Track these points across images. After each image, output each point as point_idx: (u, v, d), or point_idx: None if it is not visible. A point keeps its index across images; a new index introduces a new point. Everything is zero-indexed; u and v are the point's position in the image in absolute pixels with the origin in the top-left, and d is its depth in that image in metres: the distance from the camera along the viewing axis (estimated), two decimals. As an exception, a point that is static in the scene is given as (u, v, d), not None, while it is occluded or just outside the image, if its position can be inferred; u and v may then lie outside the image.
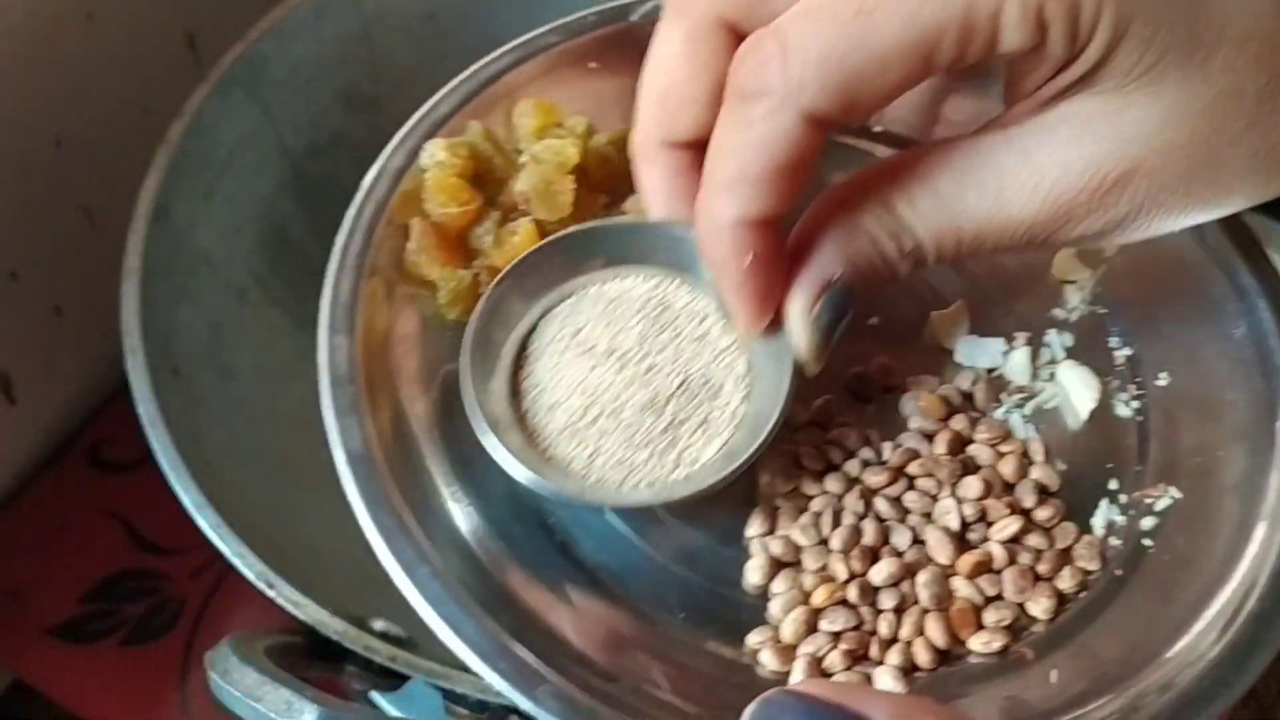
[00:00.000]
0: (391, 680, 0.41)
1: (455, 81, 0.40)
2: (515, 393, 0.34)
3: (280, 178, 0.55)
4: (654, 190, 0.33)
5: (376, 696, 0.43)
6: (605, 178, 0.39)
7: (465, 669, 0.39)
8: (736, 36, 0.30)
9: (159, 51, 0.57)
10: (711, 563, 0.33)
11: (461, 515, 0.34)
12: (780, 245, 0.31)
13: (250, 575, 0.41)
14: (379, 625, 0.42)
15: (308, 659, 0.42)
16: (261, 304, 0.53)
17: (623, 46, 0.40)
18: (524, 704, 0.30)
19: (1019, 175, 0.29)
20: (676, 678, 0.32)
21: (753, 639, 0.33)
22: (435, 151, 0.37)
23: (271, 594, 0.41)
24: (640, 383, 0.33)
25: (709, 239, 0.30)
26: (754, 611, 0.33)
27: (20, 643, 0.54)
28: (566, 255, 0.35)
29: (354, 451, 0.33)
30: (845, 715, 0.26)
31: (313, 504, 0.49)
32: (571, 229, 0.35)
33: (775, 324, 0.32)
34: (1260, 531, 0.34)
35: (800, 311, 0.31)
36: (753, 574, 0.34)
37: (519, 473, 0.32)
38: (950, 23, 0.27)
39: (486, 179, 0.38)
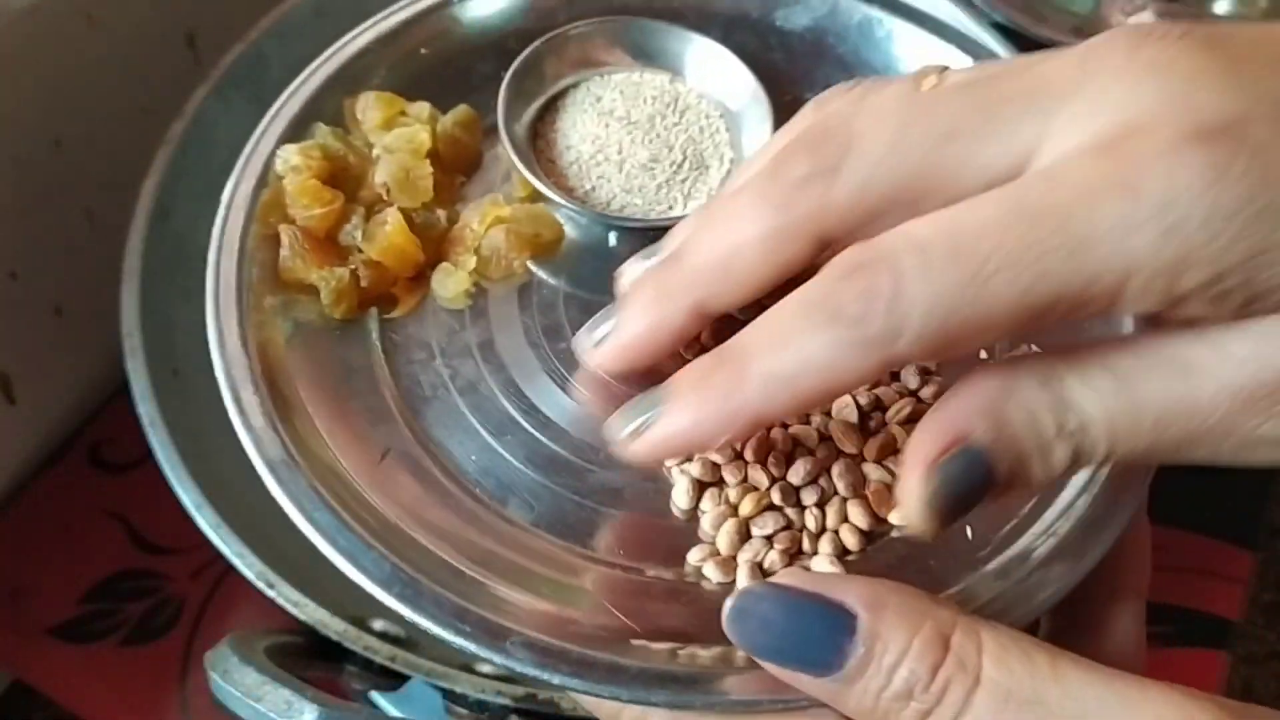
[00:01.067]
0: (391, 680, 0.41)
1: (294, 85, 0.41)
2: (536, 135, 0.40)
3: (280, 178, 0.55)
4: (651, 331, 0.32)
5: (376, 696, 0.43)
6: (457, 158, 0.40)
7: (466, 668, 0.39)
8: (823, 243, 0.29)
9: (159, 51, 0.57)
10: (638, 497, 0.34)
11: (386, 506, 0.34)
12: None
13: (250, 575, 0.41)
14: (379, 625, 0.42)
15: (308, 659, 0.42)
16: (262, 304, 0.53)
17: (448, 26, 0.42)
18: (496, 658, 0.31)
19: (1209, 362, 0.27)
20: (630, 607, 0.32)
21: (693, 557, 0.33)
22: (289, 157, 0.38)
23: (271, 594, 0.41)
24: (643, 144, 0.39)
25: (713, 408, 0.28)
26: (688, 534, 0.34)
27: (20, 642, 0.54)
28: (602, 36, 0.40)
29: (274, 459, 0.33)
30: (821, 601, 0.27)
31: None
32: (610, 18, 0.41)
33: None
34: None
35: (918, 463, 0.28)
36: (680, 499, 0.34)
37: (529, 174, 0.37)
38: (1067, 291, 0.25)
39: (344, 177, 0.39)
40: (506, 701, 0.39)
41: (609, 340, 0.33)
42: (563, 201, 0.38)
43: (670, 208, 0.39)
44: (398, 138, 0.39)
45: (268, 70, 0.54)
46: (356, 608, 0.42)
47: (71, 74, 0.53)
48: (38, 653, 0.54)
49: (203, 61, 0.58)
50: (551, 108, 0.41)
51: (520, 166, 0.38)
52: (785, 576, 0.29)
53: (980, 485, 0.28)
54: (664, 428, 0.29)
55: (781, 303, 0.28)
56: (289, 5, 0.54)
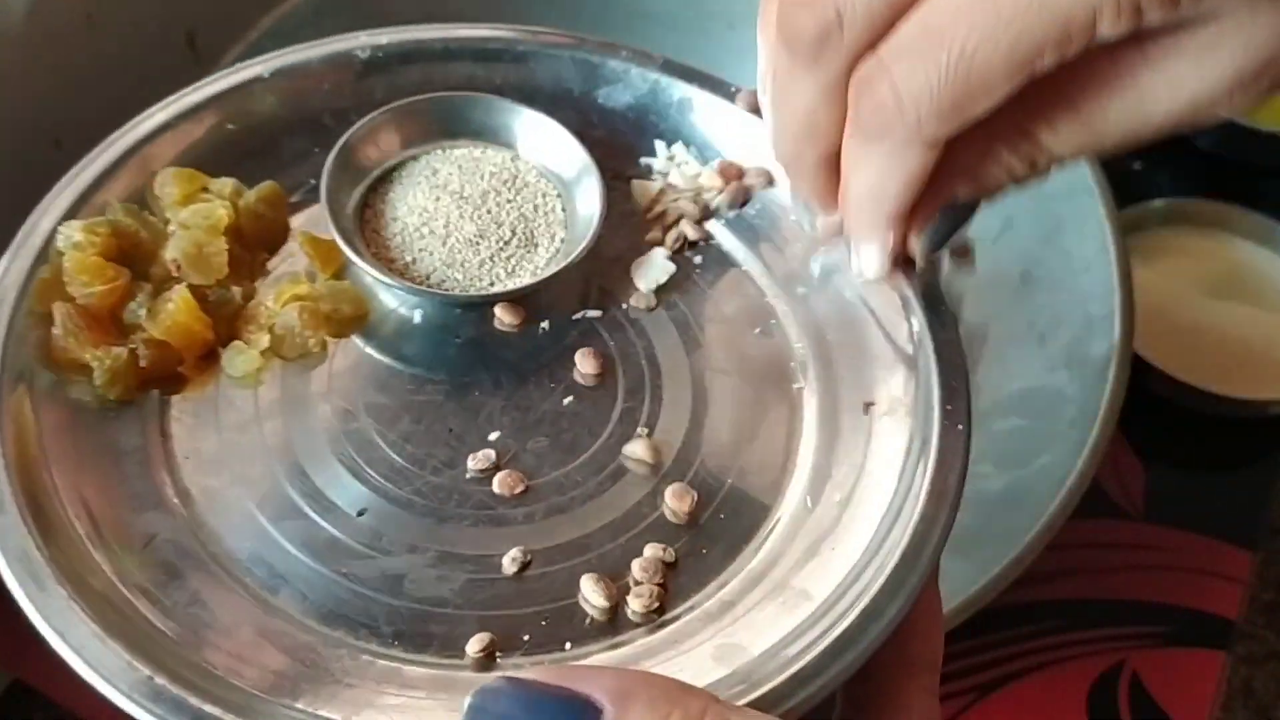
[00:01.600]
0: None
1: (85, 160, 0.39)
2: (366, 207, 0.39)
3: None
4: (818, 195, 0.35)
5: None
6: (260, 233, 0.38)
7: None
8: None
9: (159, 51, 0.57)
10: (420, 585, 0.33)
11: (141, 599, 0.32)
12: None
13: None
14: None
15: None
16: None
17: (252, 100, 0.40)
18: None
19: (1157, 88, 0.30)
20: (397, 703, 0.31)
21: (471, 648, 0.32)
22: (71, 234, 0.36)
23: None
24: (471, 219, 0.38)
25: (863, 240, 0.34)
26: (465, 623, 0.33)
27: (20, 642, 0.54)
28: (438, 112, 0.40)
29: (16, 549, 0.31)
30: (565, 696, 0.27)
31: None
32: (448, 94, 0.40)
33: None
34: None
35: (918, 230, 0.33)
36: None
37: (340, 240, 0.36)
38: (1048, 39, 0.28)
39: (135, 254, 0.37)
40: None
41: (870, 264, 0.35)
42: (371, 270, 0.36)
43: (491, 284, 0.38)
44: (194, 214, 0.37)
45: (268, 70, 0.54)
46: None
47: (71, 74, 0.53)
48: (37, 653, 0.54)
49: (203, 61, 0.58)
50: (386, 180, 0.40)
51: (334, 233, 0.37)
52: (529, 672, 0.28)
53: (963, 218, 0.33)
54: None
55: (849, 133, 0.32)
56: (289, 5, 0.54)
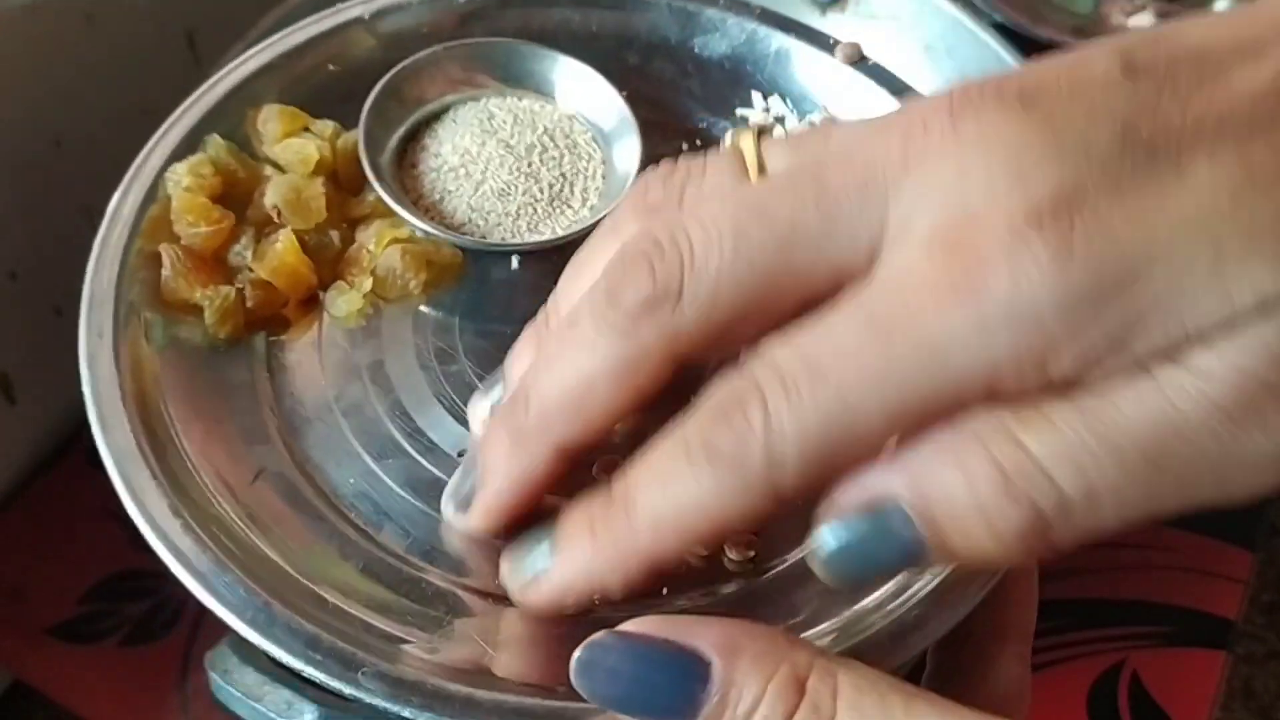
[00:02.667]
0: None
1: (193, 97, 0.40)
2: (413, 138, 0.40)
3: (280, 178, 0.55)
4: (515, 485, 0.31)
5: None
6: (357, 176, 0.39)
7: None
8: (680, 364, 0.29)
9: (159, 51, 0.57)
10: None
11: (251, 529, 0.33)
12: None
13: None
14: (379, 625, 0.42)
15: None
16: (261, 304, 0.53)
17: (358, 44, 0.41)
18: (347, 689, 0.30)
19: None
20: (497, 639, 0.32)
21: None
22: (179, 177, 0.37)
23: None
24: (511, 170, 0.39)
25: (605, 555, 0.29)
26: None
27: (20, 643, 0.54)
28: (474, 60, 0.40)
29: (134, 479, 0.32)
30: (672, 648, 0.26)
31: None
32: (507, 40, 0.40)
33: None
34: None
35: (826, 514, 0.28)
36: None
37: (372, 177, 0.36)
38: (938, 397, 0.26)
39: (235, 193, 0.38)
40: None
41: (476, 504, 0.32)
42: (384, 195, 0.37)
43: (511, 236, 0.38)
44: (287, 148, 0.38)
45: (268, 70, 0.54)
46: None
47: (71, 74, 0.53)
48: (37, 653, 0.54)
49: (203, 61, 0.58)
50: (440, 117, 0.40)
51: (363, 158, 0.37)
52: (636, 624, 0.27)
53: (899, 550, 0.27)
54: (558, 578, 0.30)
55: (663, 441, 0.28)
56: (289, 5, 0.54)
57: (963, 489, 0.26)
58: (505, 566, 0.31)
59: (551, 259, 0.37)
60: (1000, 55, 0.54)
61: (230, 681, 0.37)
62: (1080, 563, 0.61)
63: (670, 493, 0.28)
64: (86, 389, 0.34)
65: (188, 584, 0.31)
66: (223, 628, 0.33)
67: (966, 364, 0.25)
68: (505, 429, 0.31)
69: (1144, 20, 0.58)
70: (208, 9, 0.58)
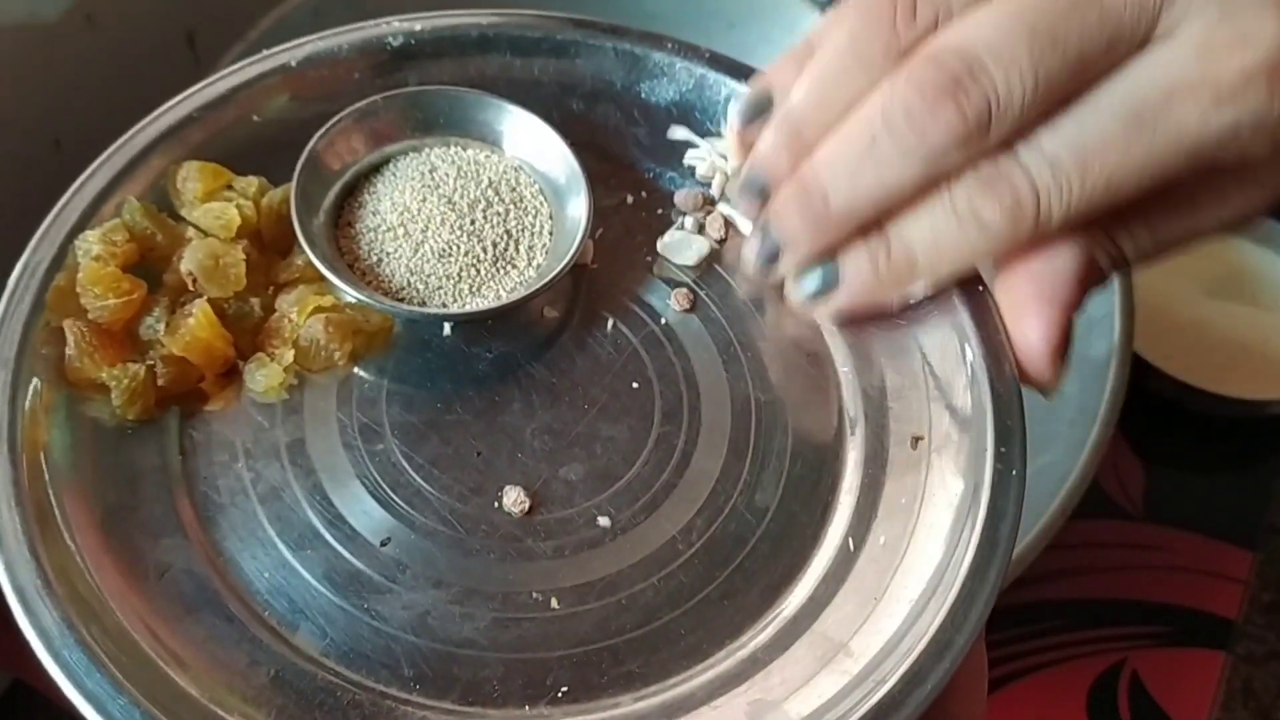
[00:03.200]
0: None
1: (105, 155, 0.37)
2: (350, 193, 0.37)
3: (280, 178, 0.55)
4: (814, 252, 0.34)
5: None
6: (285, 236, 0.36)
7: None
8: None
9: (159, 51, 0.57)
10: (443, 623, 0.32)
11: (150, 635, 0.31)
12: None
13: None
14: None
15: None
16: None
17: (282, 93, 0.38)
18: None
19: (1213, 206, 0.33)
20: None
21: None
22: (90, 245, 0.34)
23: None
24: (452, 229, 0.36)
25: (883, 290, 0.34)
26: (489, 665, 0.31)
27: (20, 643, 0.54)
28: (415, 109, 0.37)
29: (25, 585, 0.30)
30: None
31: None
32: (451, 88, 0.38)
33: None
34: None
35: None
36: None
37: (304, 242, 0.34)
38: (1184, 167, 0.31)
39: (153, 258, 0.35)
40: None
41: (832, 302, 0.34)
42: (316, 262, 0.34)
43: (450, 301, 0.35)
44: (206, 214, 0.35)
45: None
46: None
47: (72, 74, 0.53)
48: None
49: (203, 61, 0.58)
50: (381, 169, 0.37)
51: (294, 220, 0.35)
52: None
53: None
54: (846, 296, 0.34)
55: (936, 205, 0.32)
56: (288, 6, 0.54)
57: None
58: (790, 283, 0.35)
59: (488, 324, 0.35)
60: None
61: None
62: (1080, 563, 0.61)
63: (942, 246, 0.32)
64: None
65: (79, 706, 0.29)
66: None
67: (1209, 156, 0.30)
68: (802, 216, 0.33)
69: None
70: (208, 9, 0.58)
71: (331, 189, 0.36)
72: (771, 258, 0.34)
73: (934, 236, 0.32)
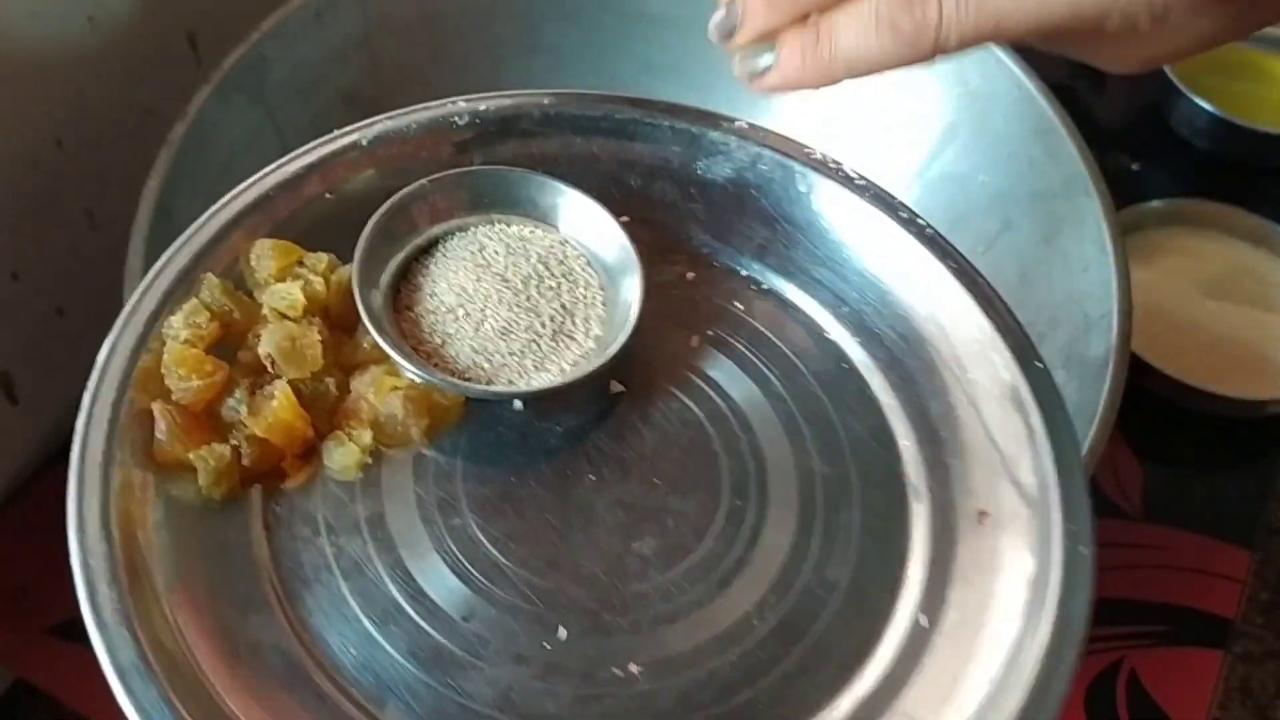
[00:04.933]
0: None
1: (186, 234, 0.38)
2: (407, 276, 0.38)
3: (281, 179, 0.55)
4: (802, 76, 0.37)
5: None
6: (351, 311, 0.36)
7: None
8: None
9: (161, 53, 0.57)
10: (528, 699, 0.32)
11: (245, 712, 0.31)
12: None
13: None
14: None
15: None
16: (262, 304, 0.53)
17: (354, 171, 0.39)
18: None
19: None
20: None
21: None
22: (177, 330, 0.35)
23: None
24: (510, 307, 0.37)
25: (809, 73, 0.37)
26: None
27: (22, 641, 0.54)
28: (462, 189, 0.39)
29: (125, 664, 0.30)
30: None
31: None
32: (493, 168, 0.39)
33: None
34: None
35: None
36: None
37: (370, 325, 0.35)
38: (1066, 20, 0.33)
39: (229, 335, 0.36)
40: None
41: (768, 80, 0.38)
42: (388, 349, 0.35)
43: (517, 378, 0.36)
44: (274, 296, 0.36)
45: (269, 72, 0.54)
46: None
47: (73, 74, 0.53)
48: (40, 652, 0.54)
49: (204, 63, 0.58)
50: (431, 250, 0.38)
51: (358, 303, 0.35)
52: None
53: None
54: (777, 79, 0.37)
55: (864, 11, 0.35)
56: (290, 7, 0.54)
57: None
58: (738, 61, 0.38)
59: (556, 399, 0.36)
60: (998, 56, 0.55)
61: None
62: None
63: (859, 44, 0.35)
64: (75, 561, 0.31)
65: None
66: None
67: (1092, 18, 0.33)
68: (798, 47, 0.37)
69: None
70: (208, 10, 0.58)
71: (387, 270, 0.37)
72: (729, 32, 0.38)
73: (855, 36, 0.35)
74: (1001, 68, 0.54)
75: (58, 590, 0.54)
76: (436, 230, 0.38)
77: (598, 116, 0.41)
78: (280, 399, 0.35)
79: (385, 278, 0.37)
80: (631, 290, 0.37)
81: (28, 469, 0.58)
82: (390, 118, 0.40)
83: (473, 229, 0.39)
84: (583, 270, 0.38)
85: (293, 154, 0.39)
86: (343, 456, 0.35)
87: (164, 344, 0.35)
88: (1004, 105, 0.54)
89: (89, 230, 0.57)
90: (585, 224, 0.38)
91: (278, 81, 0.54)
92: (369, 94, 0.57)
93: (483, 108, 0.40)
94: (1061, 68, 0.60)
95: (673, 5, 0.60)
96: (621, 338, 0.36)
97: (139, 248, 0.48)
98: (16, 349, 0.55)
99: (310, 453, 0.35)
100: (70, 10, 0.52)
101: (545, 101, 0.41)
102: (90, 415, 0.34)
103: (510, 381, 0.36)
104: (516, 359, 0.36)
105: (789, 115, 0.58)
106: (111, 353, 0.35)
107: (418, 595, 0.33)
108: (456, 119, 0.40)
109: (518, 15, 0.59)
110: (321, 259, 0.37)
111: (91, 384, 0.34)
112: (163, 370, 0.35)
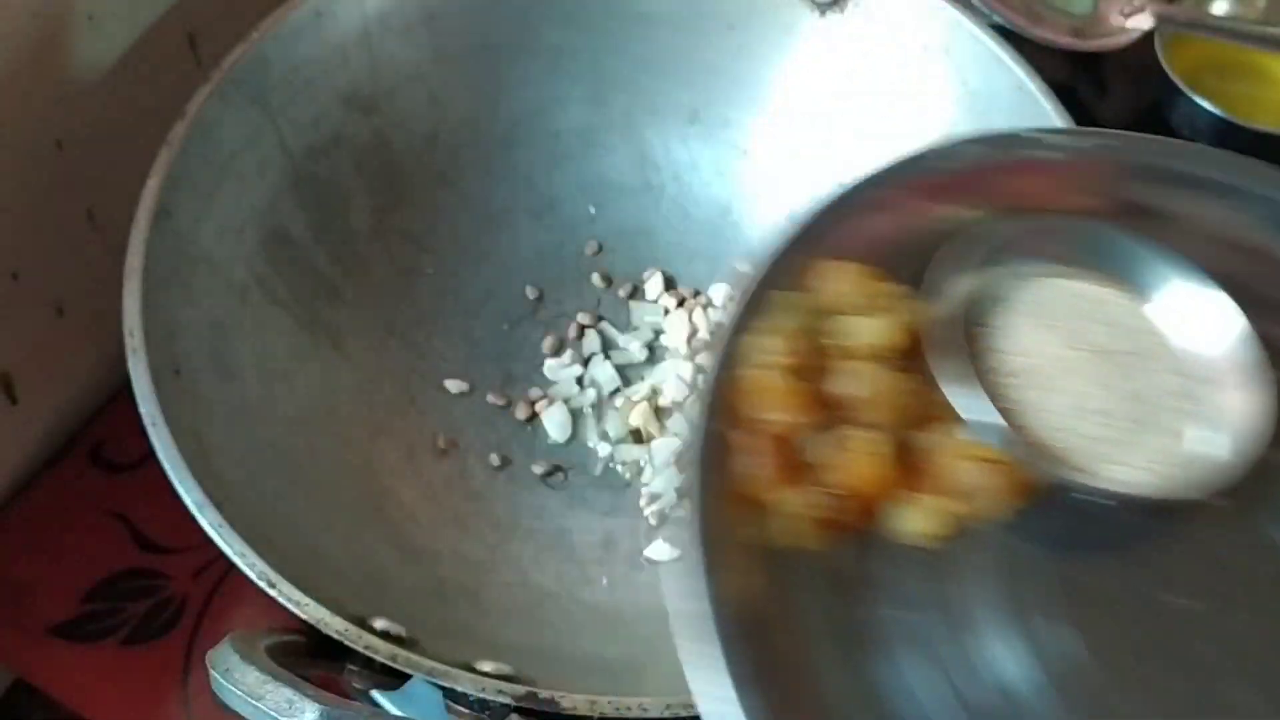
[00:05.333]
0: (392, 679, 0.41)
1: (771, 247, 0.33)
2: (978, 343, 0.32)
3: (281, 179, 0.55)
4: None
5: (378, 695, 0.43)
6: (915, 353, 0.32)
7: (467, 666, 0.39)
8: None
9: (160, 53, 0.57)
10: None
11: None
12: None
13: (252, 575, 0.41)
14: (380, 624, 0.42)
15: (309, 658, 0.42)
16: (262, 304, 0.53)
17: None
18: None
19: None
20: None
21: None
22: (770, 355, 0.31)
23: (273, 593, 0.41)
24: (1100, 385, 0.31)
25: None
26: None
27: (22, 642, 0.54)
28: (1083, 236, 0.33)
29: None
30: None
31: (313, 503, 0.49)
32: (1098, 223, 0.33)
33: None
34: None
35: None
36: None
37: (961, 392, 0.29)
38: None
39: (802, 365, 0.32)
40: (507, 700, 0.39)
41: None
42: (998, 442, 0.29)
43: (1109, 467, 0.30)
44: (852, 331, 0.31)
45: (269, 72, 0.54)
46: (357, 607, 0.42)
47: (73, 75, 0.53)
48: (39, 652, 0.54)
49: (204, 63, 0.58)
50: (1000, 302, 0.32)
51: (935, 356, 0.30)
52: None
53: None
54: None
55: None
56: (290, 7, 0.54)
57: None
58: None
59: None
60: (999, 56, 0.55)
61: (231, 680, 0.37)
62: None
63: None
64: (688, 650, 0.27)
65: None
66: (224, 627, 0.33)
67: None
68: None
69: (1143, 21, 0.58)
70: (209, 10, 0.58)
71: (951, 311, 0.32)
72: None
73: None
74: (1001, 68, 0.54)
75: (57, 590, 0.55)
76: (999, 271, 0.33)
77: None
78: (873, 448, 0.30)
79: (958, 333, 0.32)
80: (1247, 399, 0.30)
81: (28, 469, 0.58)
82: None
83: (1052, 281, 0.33)
84: (1171, 355, 0.32)
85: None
86: (918, 521, 0.30)
87: (754, 372, 0.31)
88: (1004, 105, 0.54)
89: (89, 230, 0.57)
90: (1188, 306, 0.32)
91: (277, 81, 0.54)
92: (369, 94, 0.57)
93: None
94: (1062, 68, 0.60)
95: (673, 5, 0.60)
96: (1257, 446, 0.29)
97: (139, 247, 0.48)
98: (16, 349, 0.55)
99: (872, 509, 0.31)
100: (69, 9, 0.52)
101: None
102: (685, 456, 0.29)
103: (1106, 473, 0.30)
104: (1106, 446, 0.31)
105: (787, 115, 0.58)
106: (714, 375, 0.30)
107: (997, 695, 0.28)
108: (1124, 155, 0.34)
109: (517, 15, 0.59)
110: (899, 292, 0.32)
111: (698, 408, 0.30)
112: (746, 396, 0.31)
